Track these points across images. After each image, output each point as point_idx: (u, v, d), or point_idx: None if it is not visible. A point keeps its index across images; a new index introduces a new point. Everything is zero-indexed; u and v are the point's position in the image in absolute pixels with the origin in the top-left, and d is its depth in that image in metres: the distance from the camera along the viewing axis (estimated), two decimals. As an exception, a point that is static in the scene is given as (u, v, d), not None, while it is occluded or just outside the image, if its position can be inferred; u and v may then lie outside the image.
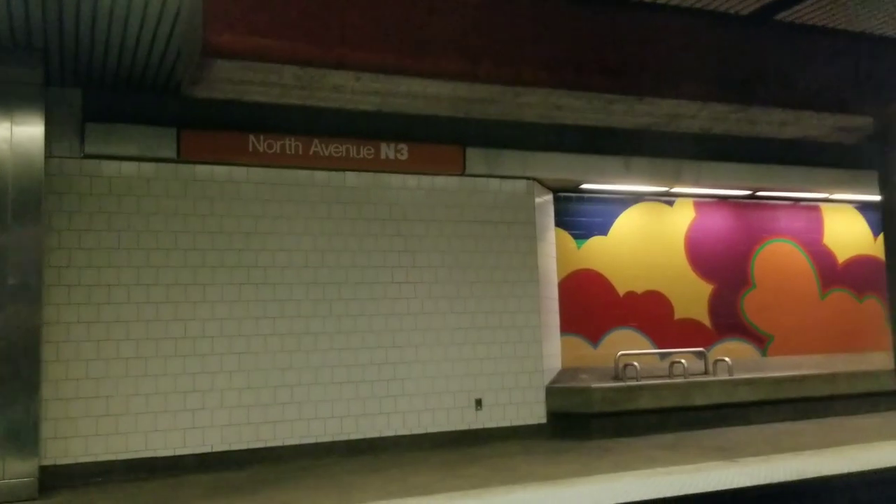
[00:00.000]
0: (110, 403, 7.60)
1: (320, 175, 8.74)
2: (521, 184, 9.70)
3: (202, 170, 8.26)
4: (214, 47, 5.55)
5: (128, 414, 7.65)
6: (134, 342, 7.75)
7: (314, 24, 5.87)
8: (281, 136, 8.39)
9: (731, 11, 7.20)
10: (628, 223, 11.30)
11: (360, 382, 8.58)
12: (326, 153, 8.60)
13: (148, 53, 7.19)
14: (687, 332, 11.24)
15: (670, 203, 11.58)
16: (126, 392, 7.67)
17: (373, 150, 8.77)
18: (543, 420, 9.31)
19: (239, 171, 8.40)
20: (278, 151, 8.39)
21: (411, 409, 8.75)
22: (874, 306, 12.17)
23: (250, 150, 8.31)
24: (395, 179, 9.05)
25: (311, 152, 8.53)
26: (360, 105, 6.98)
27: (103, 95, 7.98)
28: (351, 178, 8.86)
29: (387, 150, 8.87)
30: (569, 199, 10.95)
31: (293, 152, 8.46)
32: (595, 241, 11.12)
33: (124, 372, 7.68)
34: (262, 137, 8.32)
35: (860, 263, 12.51)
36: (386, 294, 8.84)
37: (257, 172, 8.47)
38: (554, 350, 10.12)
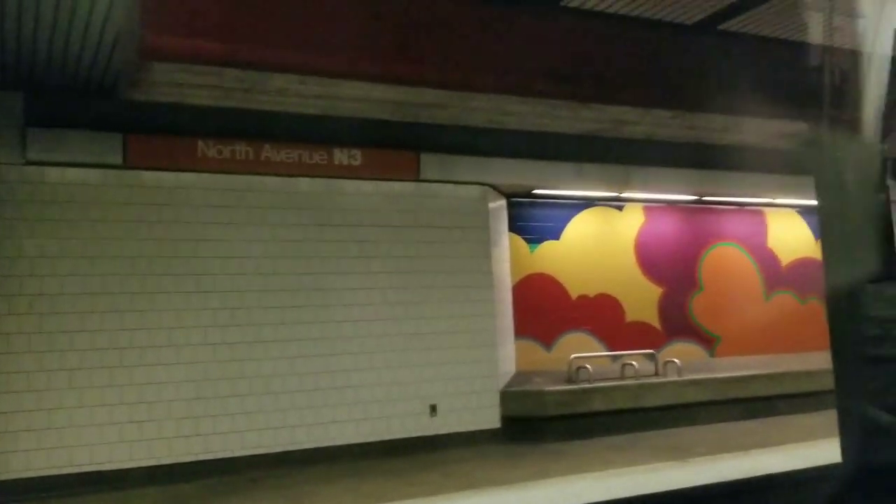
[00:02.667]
0: (53, 416, 7.38)
1: (272, 180, 8.62)
2: (475, 189, 9.71)
3: (149, 176, 8.07)
4: (152, 49, 5.47)
5: (72, 427, 7.43)
6: (78, 353, 7.53)
7: (256, 26, 5.83)
8: (231, 142, 8.25)
9: (678, 21, 7.34)
10: (580, 228, 11.44)
11: (313, 391, 8.49)
12: (278, 158, 8.49)
13: (92, 56, 7.01)
14: (638, 335, 11.40)
15: (620, 208, 11.75)
16: (70, 404, 7.45)
17: (326, 156, 8.68)
18: (498, 425, 9.31)
19: (188, 177, 8.23)
20: (228, 157, 8.25)
21: (365, 416, 8.69)
22: (816, 307, 12.51)
23: (199, 155, 8.14)
24: (349, 185, 8.98)
25: (262, 157, 8.40)
26: (306, 109, 6.97)
27: (46, 100, 7.69)
28: (304, 183, 8.76)
29: (340, 156, 8.78)
30: (522, 204, 11.04)
31: (244, 157, 8.32)
32: (548, 246, 11.23)
33: (67, 384, 7.46)
34: (211, 142, 8.16)
35: (803, 266, 12.86)
36: (340, 300, 8.76)
37: (207, 178, 8.30)
38: (508, 354, 10.17)
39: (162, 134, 8.01)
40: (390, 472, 7.54)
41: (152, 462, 7.68)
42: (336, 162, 8.75)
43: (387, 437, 8.75)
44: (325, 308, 8.67)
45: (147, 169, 8.04)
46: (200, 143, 8.12)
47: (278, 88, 6.27)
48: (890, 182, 3.12)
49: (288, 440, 8.32)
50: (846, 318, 2.45)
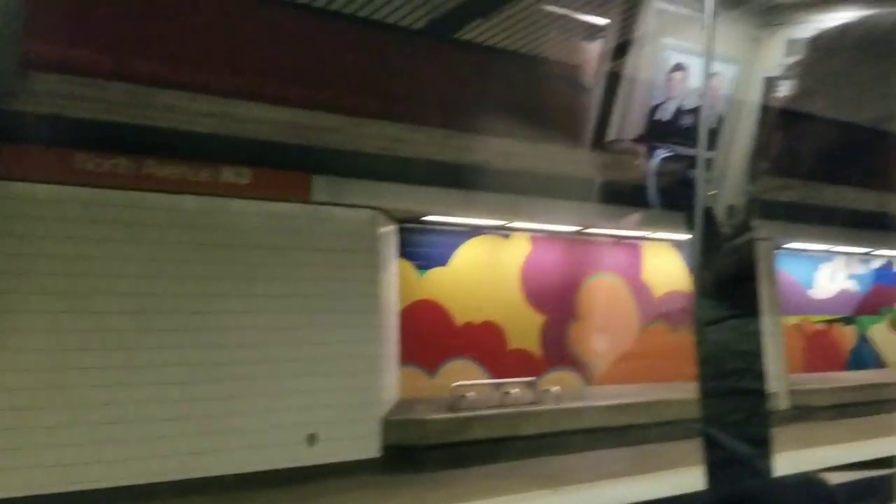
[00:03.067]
0: None
1: (153, 197, 8.27)
2: (366, 213, 9.63)
3: (20, 187, 7.59)
4: (34, 58, 5.21)
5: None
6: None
7: (146, 40, 5.66)
8: (111, 155, 7.88)
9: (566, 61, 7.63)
10: (468, 255, 11.59)
11: (187, 419, 8.13)
12: (161, 174, 8.15)
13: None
14: (520, 362, 11.62)
15: (507, 236, 12.00)
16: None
17: (212, 173, 8.40)
18: (379, 454, 9.18)
19: (63, 191, 7.79)
20: (108, 170, 7.86)
21: (240, 446, 8.37)
22: (687, 339, 13.09)
23: (77, 168, 7.73)
24: (236, 204, 8.73)
25: (143, 172, 8.05)
26: (195, 127, 6.77)
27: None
28: (187, 201, 8.45)
29: (228, 174, 8.51)
30: (412, 230, 11.09)
31: (124, 172, 7.95)
32: (436, 272, 11.32)
33: None
34: (90, 155, 7.77)
35: (675, 298, 13.48)
36: (219, 324, 8.46)
37: (83, 192, 7.88)
38: (391, 381, 10.12)
39: (37, 144, 7.54)
40: (265, 504, 7.31)
41: (4, 495, 7.09)
42: (223, 180, 8.49)
43: (263, 467, 8.44)
44: (205, 332, 8.35)
45: (19, 180, 7.56)
46: (79, 156, 7.72)
47: (166, 105, 6.08)
48: (755, 222, 3.33)
49: (159, 470, 7.91)
50: (712, 351, 2.59)
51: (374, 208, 9.68)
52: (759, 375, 2.61)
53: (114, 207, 8.06)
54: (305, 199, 9.02)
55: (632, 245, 13.34)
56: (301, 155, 8.84)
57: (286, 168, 8.84)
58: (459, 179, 10.05)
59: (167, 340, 8.15)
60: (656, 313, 13.30)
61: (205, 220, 8.54)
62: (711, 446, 2.55)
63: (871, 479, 3.13)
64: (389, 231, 10.40)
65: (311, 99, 6.43)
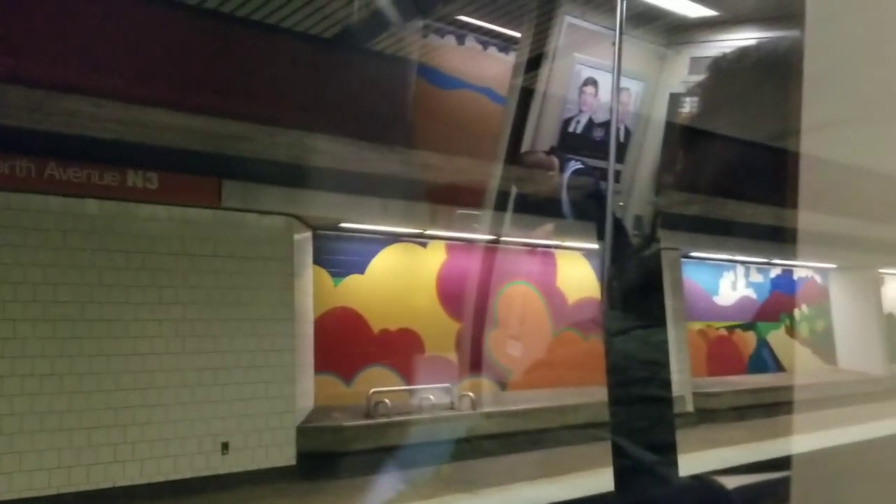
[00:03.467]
0: None
1: (56, 201, 7.96)
2: (280, 220, 9.51)
3: None
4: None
5: None
6: None
7: (47, 44, 5.45)
8: (10, 157, 7.51)
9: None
10: (385, 262, 11.58)
11: (93, 429, 7.87)
12: (64, 177, 7.82)
13: None
14: (437, 369, 11.67)
15: (424, 244, 12.05)
16: None
17: (118, 177, 8.09)
18: (294, 461, 9.11)
19: (-45, 193, 7.44)
20: (6, 173, 7.47)
21: (151, 455, 8.17)
22: (598, 345, 13.44)
23: (-30, 170, 7.39)
24: (143, 209, 8.49)
25: (45, 175, 7.71)
26: (100, 133, 6.55)
27: None
28: (91, 205, 8.16)
29: (134, 178, 8.23)
30: (328, 237, 11.01)
31: (24, 174, 7.59)
32: (352, 280, 11.26)
33: None
34: (-14, 158, 7.43)
35: (587, 305, 13.82)
36: (127, 332, 8.21)
37: (-22, 195, 7.55)
38: (307, 389, 10.02)
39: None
40: (176, 515, 7.14)
41: None
42: (129, 184, 8.19)
43: (174, 476, 8.27)
44: (111, 340, 8.09)
45: None
46: (-28, 158, 7.36)
47: (69, 110, 5.85)
48: (661, 234, 3.45)
49: (63, 482, 7.64)
50: (619, 360, 2.68)
51: (288, 215, 9.56)
52: (664, 384, 2.71)
53: (13, 211, 7.71)
54: (216, 205, 8.81)
55: (546, 254, 13.60)
56: (212, 160, 8.64)
57: (196, 173, 8.62)
58: (375, 188, 10.04)
59: (72, 348, 7.86)
60: (569, 321, 13.59)
61: (111, 224, 8.27)
62: (618, 453, 2.64)
63: (768, 481, 3.28)
64: (304, 238, 10.30)
65: (222, 107, 6.31)
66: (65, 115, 6.00)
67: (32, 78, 5.39)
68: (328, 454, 9.12)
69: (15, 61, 5.28)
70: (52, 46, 5.46)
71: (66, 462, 7.71)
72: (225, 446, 8.65)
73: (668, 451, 2.67)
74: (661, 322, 2.83)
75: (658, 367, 2.65)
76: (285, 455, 9.06)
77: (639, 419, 2.62)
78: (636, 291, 2.85)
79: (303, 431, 9.22)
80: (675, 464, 2.68)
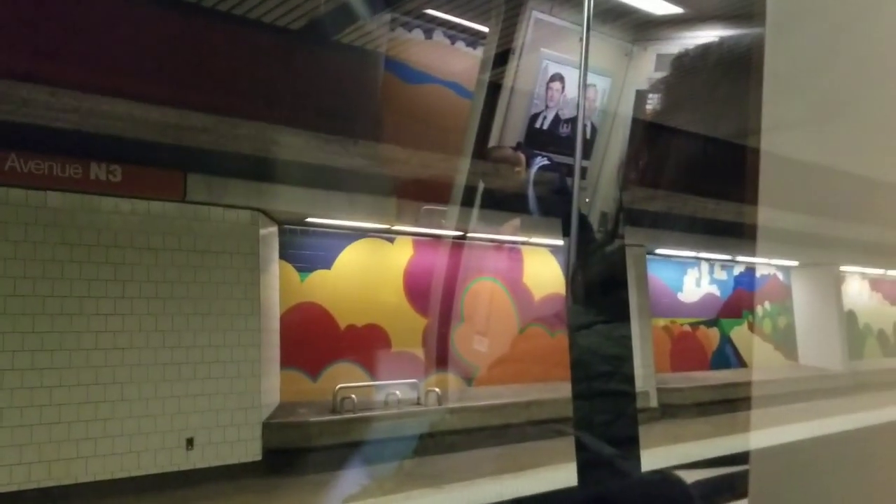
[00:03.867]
0: None
1: (16, 193, 7.80)
2: (246, 214, 9.41)
3: None
4: None
5: None
6: None
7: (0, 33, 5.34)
8: (-32, 149, 7.38)
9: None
10: (352, 258, 11.54)
11: (54, 424, 7.74)
12: (25, 169, 7.68)
13: None
14: (403, 365, 11.67)
15: (391, 240, 12.03)
16: None
17: (80, 170, 7.98)
18: (259, 457, 9.04)
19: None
20: (-36, 165, 7.38)
21: (114, 452, 8.06)
22: (564, 341, 13.52)
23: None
24: (106, 202, 8.34)
25: (6, 167, 7.56)
26: (56, 122, 6.43)
27: None
28: (53, 198, 8.02)
29: (97, 171, 8.10)
30: (294, 232, 10.94)
31: (-18, 166, 7.48)
32: (319, 275, 11.20)
33: None
34: (-58, 149, 7.26)
35: (553, 301, 13.91)
36: (89, 327, 8.08)
37: (-65, 187, 7.38)
38: (273, 385, 9.96)
39: None
40: (139, 512, 7.06)
41: None
42: (92, 177, 8.08)
43: (137, 473, 8.18)
44: (73, 335, 7.97)
45: None
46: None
47: (24, 99, 5.74)
48: (626, 231, 3.47)
49: (23, 478, 7.52)
50: (582, 354, 2.70)
51: (253, 209, 9.47)
52: (627, 378, 2.73)
53: (-30, 204, 7.56)
54: (180, 199, 8.70)
55: (513, 250, 13.65)
56: (176, 153, 8.51)
57: (160, 166, 8.50)
58: (342, 183, 9.99)
59: (33, 343, 7.73)
60: (535, 317, 13.66)
61: (73, 218, 8.13)
62: (581, 447, 2.66)
63: (727, 475, 3.33)
64: (270, 233, 10.22)
65: (183, 98, 6.23)
66: (20, 104, 5.87)
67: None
68: (294, 450, 9.08)
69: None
70: (6, 35, 5.34)
71: (27, 458, 7.58)
72: (190, 442, 8.56)
73: (631, 444, 2.69)
74: (624, 317, 2.85)
75: (620, 362, 2.68)
76: (251, 451, 8.99)
77: (601, 413, 2.65)
78: (599, 286, 2.87)
79: (268, 427, 9.16)
80: (637, 458, 2.71)
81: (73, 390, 7.90)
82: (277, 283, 10.43)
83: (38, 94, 5.71)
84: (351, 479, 8.37)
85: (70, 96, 5.78)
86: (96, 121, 6.44)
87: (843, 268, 19.40)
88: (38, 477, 7.62)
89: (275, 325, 10.21)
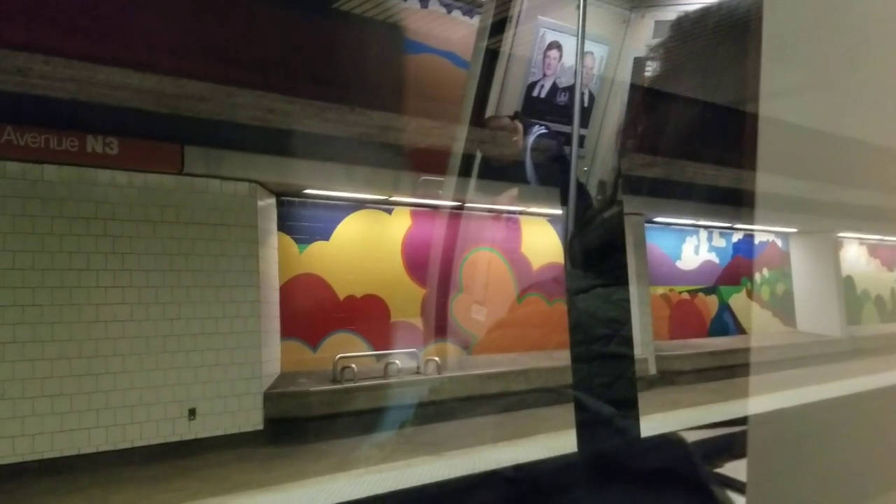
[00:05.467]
0: None
1: (13, 167, 7.81)
2: (244, 186, 9.42)
3: None
4: None
5: None
6: None
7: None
8: (-35, 122, 7.35)
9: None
10: (350, 229, 11.55)
11: (56, 396, 7.81)
12: (21, 142, 7.66)
13: None
14: (402, 334, 11.74)
15: (389, 211, 12.03)
16: None
17: (77, 143, 7.96)
18: (261, 426, 9.14)
19: None
20: (-41, 138, 7.36)
21: (116, 422, 8.14)
22: (562, 309, 13.58)
23: (-78, 135, 7.19)
24: (103, 175, 8.35)
25: (2, 140, 7.54)
26: (53, 92, 6.40)
27: None
28: (50, 171, 8.02)
29: (93, 143, 8.08)
30: (292, 204, 10.93)
31: (-23, 140, 7.46)
32: (317, 246, 11.22)
33: None
34: (-61, 123, 7.23)
35: (551, 270, 13.96)
36: (89, 299, 8.13)
37: (-69, 161, 7.37)
38: (273, 355, 10.02)
39: None
40: (143, 480, 7.15)
41: None
42: (89, 150, 8.05)
43: (140, 443, 8.27)
44: (73, 307, 8.01)
45: None
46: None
47: (19, 68, 5.70)
48: (624, 199, 3.49)
49: (27, 449, 7.60)
50: (581, 318, 2.72)
51: (251, 181, 9.47)
52: (625, 341, 2.76)
53: (-32, 177, 7.55)
54: (178, 171, 8.69)
55: (511, 220, 13.66)
56: (173, 125, 8.48)
57: (157, 138, 8.46)
58: (339, 154, 9.96)
59: (33, 316, 7.77)
60: (533, 285, 13.71)
61: (71, 191, 8.13)
62: (580, 408, 2.69)
63: (726, 435, 3.37)
64: (268, 205, 10.22)
65: (179, 66, 6.19)
66: (15, 74, 5.84)
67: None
68: (295, 419, 9.17)
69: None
70: (2, 4, 5.30)
71: (29, 430, 7.66)
72: (192, 412, 8.64)
73: (630, 406, 2.73)
74: (622, 281, 2.87)
75: (619, 325, 2.70)
76: (252, 420, 9.08)
77: (600, 376, 2.68)
78: (598, 251, 2.89)
79: (269, 397, 9.24)
80: (636, 419, 2.75)
81: (74, 362, 7.95)
82: (276, 254, 10.45)
83: (34, 63, 5.67)
84: (351, 447, 8.45)
85: (65, 65, 5.74)
86: (92, 90, 6.40)
87: (841, 234, 19.45)
88: (42, 448, 7.70)
89: (274, 296, 10.25)
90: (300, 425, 9.14)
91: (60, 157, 7.92)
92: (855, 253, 21.08)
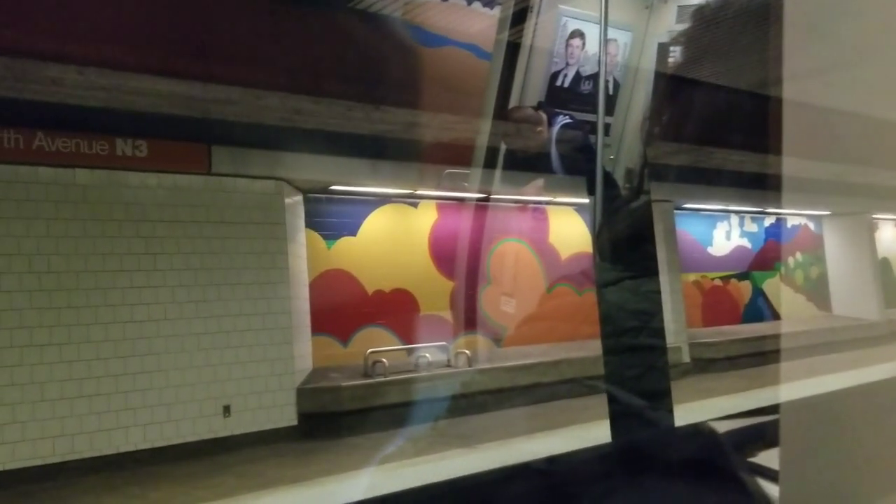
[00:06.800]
0: None
1: (45, 171, 7.93)
2: (271, 184, 9.49)
3: None
4: None
5: None
6: None
7: (28, 11, 5.37)
8: (-2, 129, 7.49)
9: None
10: (376, 224, 11.59)
11: (94, 396, 7.95)
12: (53, 147, 7.78)
13: None
14: (432, 328, 11.76)
15: (415, 205, 12.05)
16: None
17: (107, 146, 8.05)
18: (294, 422, 9.23)
19: (-56, 167, 7.39)
20: (-7, 144, 7.49)
21: (153, 421, 8.27)
22: (592, 299, 13.51)
23: (-42, 143, 7.33)
24: (133, 177, 8.46)
25: (34, 146, 7.67)
26: (85, 101, 6.51)
27: None
28: (82, 175, 8.14)
29: (123, 146, 8.19)
30: (319, 200, 11.00)
31: (12, 146, 7.54)
32: (344, 242, 11.28)
33: None
34: (-28, 130, 7.37)
35: (580, 260, 13.89)
36: (124, 300, 8.25)
37: (-33, 168, 7.52)
38: (304, 351, 10.10)
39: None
40: (181, 477, 7.25)
41: None
42: (118, 153, 8.16)
43: (177, 440, 8.38)
44: (108, 308, 8.13)
45: None
46: (-41, 131, 7.30)
47: (53, 78, 5.80)
48: (652, 186, 3.46)
49: (66, 449, 7.74)
50: (611, 310, 2.71)
51: (278, 179, 9.54)
52: (655, 332, 2.75)
53: (3, 183, 7.69)
54: (206, 171, 8.78)
55: (537, 211, 13.61)
56: (200, 126, 8.56)
57: (184, 140, 8.55)
58: (364, 149, 9.99)
59: (69, 318, 7.90)
60: (562, 276, 13.66)
61: (102, 194, 8.25)
62: (612, 400, 2.69)
63: (758, 424, 3.34)
64: (296, 202, 10.29)
65: (207, 72, 6.25)
66: (49, 84, 5.95)
67: (15, 47, 5.34)
68: (328, 414, 9.24)
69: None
70: (34, 15, 5.39)
71: (69, 430, 7.79)
72: (227, 409, 8.75)
73: (662, 397, 2.72)
74: (651, 272, 2.86)
75: (649, 317, 2.69)
76: (286, 416, 9.18)
77: (631, 367, 2.67)
78: (626, 242, 2.87)
79: (302, 392, 9.32)
80: (669, 410, 2.73)
81: (110, 362, 8.09)
82: (305, 251, 10.52)
83: (67, 74, 5.77)
84: (384, 441, 8.50)
85: (98, 74, 5.84)
86: (123, 97, 6.51)
87: (876, 216, 19.10)
88: (81, 448, 7.84)
89: (304, 292, 10.33)
90: (333, 420, 9.21)
91: (91, 160, 8.02)
92: (891, 235, 20.70)
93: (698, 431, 2.96)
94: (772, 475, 2.50)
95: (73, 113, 7.58)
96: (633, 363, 2.73)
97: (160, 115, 7.65)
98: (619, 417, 2.76)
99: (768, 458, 2.61)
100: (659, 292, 2.84)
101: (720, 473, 2.64)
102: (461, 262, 12.35)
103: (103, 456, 7.93)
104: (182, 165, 8.66)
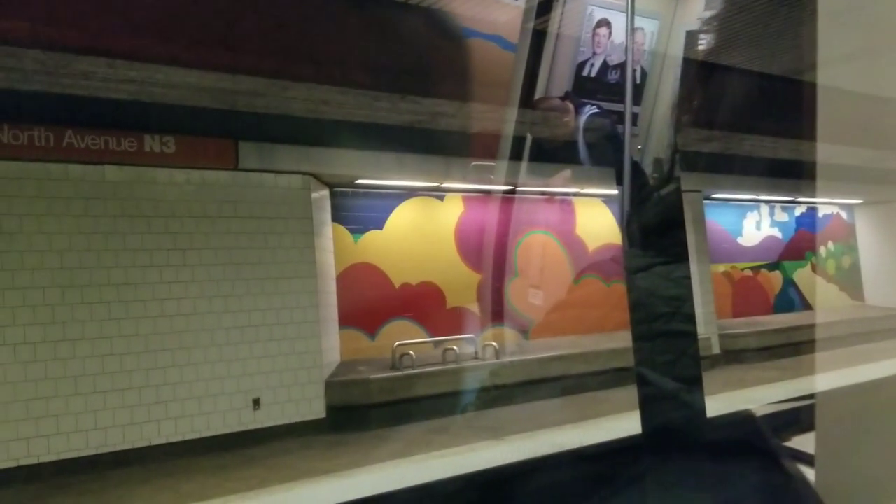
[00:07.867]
0: None
1: (75, 168, 8.03)
2: (297, 179, 9.53)
3: (-68, 163, 7.30)
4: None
5: None
6: None
7: (60, 5, 5.44)
8: (29, 127, 7.56)
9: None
10: (402, 217, 11.61)
11: (126, 390, 8.06)
12: (82, 145, 7.87)
13: None
14: (459, 320, 11.77)
15: (441, 198, 12.04)
16: None
17: (135, 143, 8.15)
18: (323, 415, 9.28)
19: (-22, 166, 7.51)
20: (25, 143, 7.54)
21: (184, 414, 8.37)
22: (620, 289, 13.47)
23: (-8, 141, 7.45)
24: (161, 174, 8.55)
25: (64, 144, 7.77)
26: (115, 94, 6.59)
27: None
28: (111, 171, 8.24)
29: (151, 143, 8.28)
30: (345, 195, 11.03)
31: (43, 144, 7.65)
32: (371, 236, 11.31)
33: None
34: (6, 127, 7.45)
35: (607, 251, 13.81)
36: (154, 295, 8.35)
37: (1, 166, 7.63)
38: (332, 344, 10.16)
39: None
40: (212, 469, 7.33)
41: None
42: (147, 149, 8.24)
43: (207, 433, 8.48)
44: (139, 303, 8.24)
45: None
46: (-6, 129, 7.43)
47: (84, 72, 5.87)
48: (682, 176, 3.41)
49: (100, 442, 7.87)
50: (641, 297, 2.69)
51: (305, 173, 9.57)
52: (687, 318, 2.71)
53: (34, 181, 7.80)
54: (233, 167, 8.85)
55: (564, 202, 13.55)
56: (227, 122, 8.61)
57: (212, 135, 8.62)
58: (389, 143, 10.00)
59: (101, 313, 8.01)
60: (590, 267, 13.59)
61: (131, 190, 8.34)
62: (644, 385, 2.66)
63: (794, 409, 3.31)
64: (322, 196, 10.33)
65: (235, 63, 6.30)
66: (80, 77, 6.02)
67: (47, 40, 5.41)
68: (356, 407, 9.28)
69: (30, 25, 5.29)
70: (66, 9, 5.45)
71: (102, 423, 7.91)
72: (256, 402, 8.83)
73: (694, 383, 2.69)
74: (682, 258, 2.82)
75: (680, 302, 2.66)
76: (315, 409, 9.23)
77: (663, 353, 2.64)
78: (656, 228, 2.84)
79: (330, 385, 9.37)
80: (701, 396, 2.71)
81: (142, 357, 8.19)
82: (332, 245, 10.57)
83: (97, 67, 5.84)
84: (413, 433, 8.53)
85: (128, 66, 5.90)
86: (154, 90, 6.58)
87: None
88: (114, 441, 7.96)
89: (331, 286, 10.37)
90: (361, 413, 9.25)
91: (120, 157, 8.11)
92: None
93: (735, 416, 2.94)
94: (808, 459, 2.48)
95: (103, 108, 7.67)
96: (665, 349, 2.70)
97: (188, 108, 7.72)
98: (650, 402, 2.73)
99: (802, 442, 2.58)
100: (689, 278, 2.81)
101: (758, 457, 2.61)
102: (488, 255, 12.33)
103: (136, 448, 8.04)
104: (209, 161, 8.72)
